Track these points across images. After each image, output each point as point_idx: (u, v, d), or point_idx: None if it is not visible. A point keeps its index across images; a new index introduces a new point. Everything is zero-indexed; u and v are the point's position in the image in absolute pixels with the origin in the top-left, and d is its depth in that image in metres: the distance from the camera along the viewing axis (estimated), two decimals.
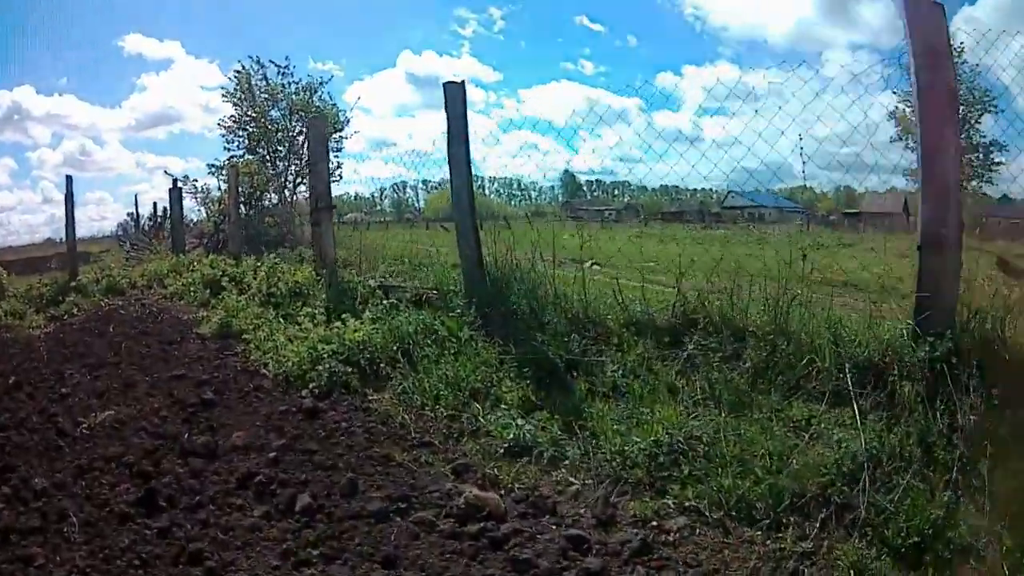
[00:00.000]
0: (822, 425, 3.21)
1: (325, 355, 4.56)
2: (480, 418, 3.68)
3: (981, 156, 31.70)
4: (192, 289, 8.42)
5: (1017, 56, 3.28)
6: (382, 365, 4.54)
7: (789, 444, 3.04)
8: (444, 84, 5.40)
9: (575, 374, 4.04)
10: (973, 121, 31.34)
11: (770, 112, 3.30)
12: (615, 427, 3.37)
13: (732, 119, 3.51)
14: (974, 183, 32.19)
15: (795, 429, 3.23)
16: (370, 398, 4.23)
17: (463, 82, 5.40)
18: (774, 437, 3.10)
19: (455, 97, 5.46)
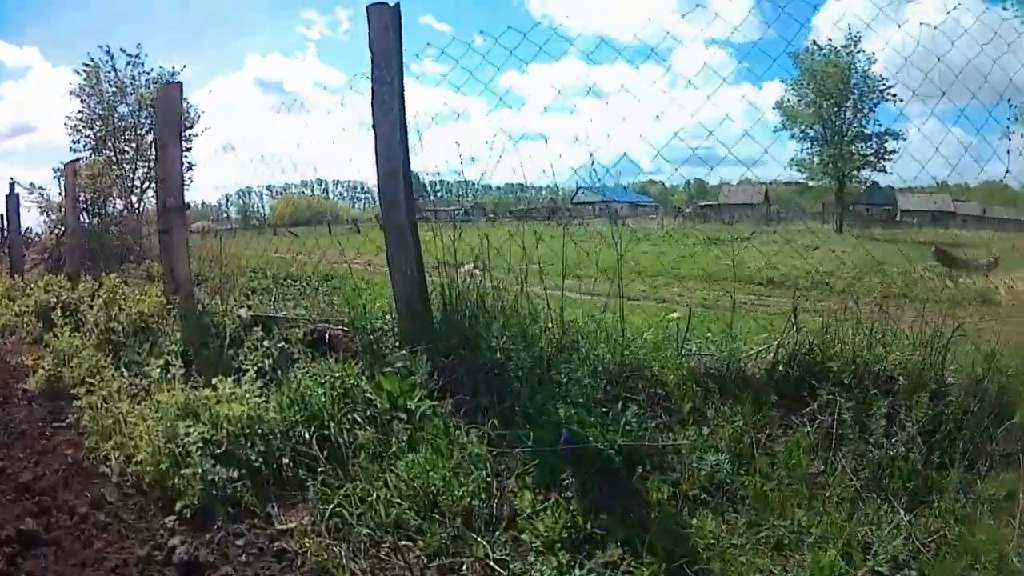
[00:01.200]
0: None
1: (193, 446, 3.03)
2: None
3: (874, 144, 35.33)
4: (25, 321, 7.04)
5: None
6: (287, 463, 3.04)
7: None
8: (368, 7, 4.14)
9: (642, 468, 2.88)
10: (867, 110, 35.19)
11: (618, 108, 3.46)
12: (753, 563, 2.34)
13: (579, 116, 3.57)
14: (865, 172, 35.88)
15: (1007, 514, 2.54)
16: (280, 527, 2.76)
17: (397, 5, 4.07)
18: (998, 535, 2.40)
19: (381, 26, 4.13)
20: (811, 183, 38.41)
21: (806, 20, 3.68)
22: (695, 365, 3.44)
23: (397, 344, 3.92)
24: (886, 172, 35.84)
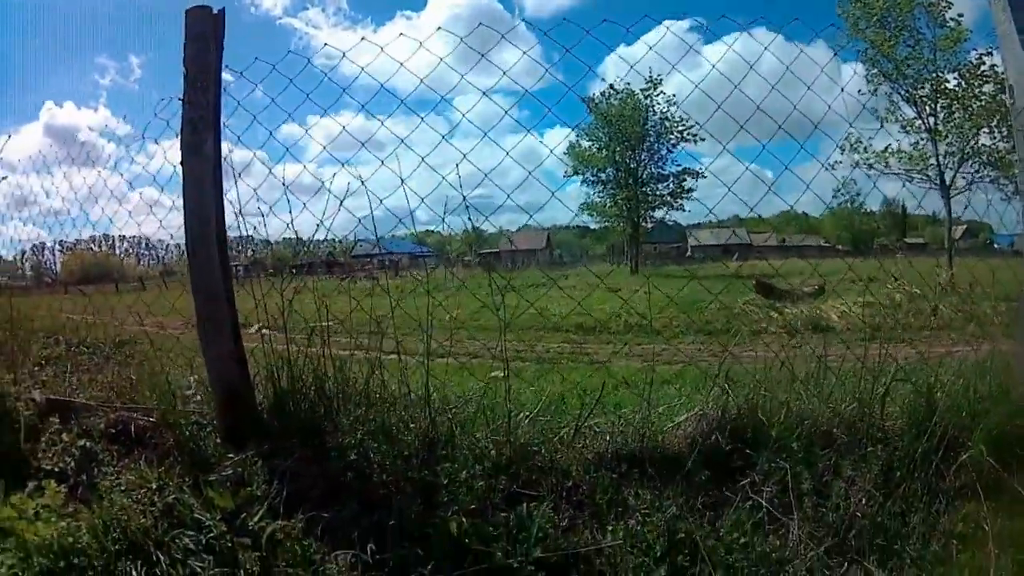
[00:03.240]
0: None
1: None
2: None
3: (671, 184, 38.40)
4: None
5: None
6: None
7: None
8: (187, 11, 3.62)
9: None
10: (664, 151, 38.20)
11: (396, 161, 3.51)
12: None
13: (356, 167, 3.64)
14: (659, 212, 38.78)
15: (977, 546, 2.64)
16: None
17: (221, 12, 3.61)
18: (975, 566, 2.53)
19: (200, 35, 3.59)
20: (594, 226, 41.37)
21: (594, 64, 3.87)
22: (602, 447, 3.24)
23: (219, 442, 3.48)
24: (683, 210, 39.33)
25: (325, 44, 3.93)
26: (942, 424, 3.07)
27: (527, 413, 3.40)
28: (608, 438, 3.24)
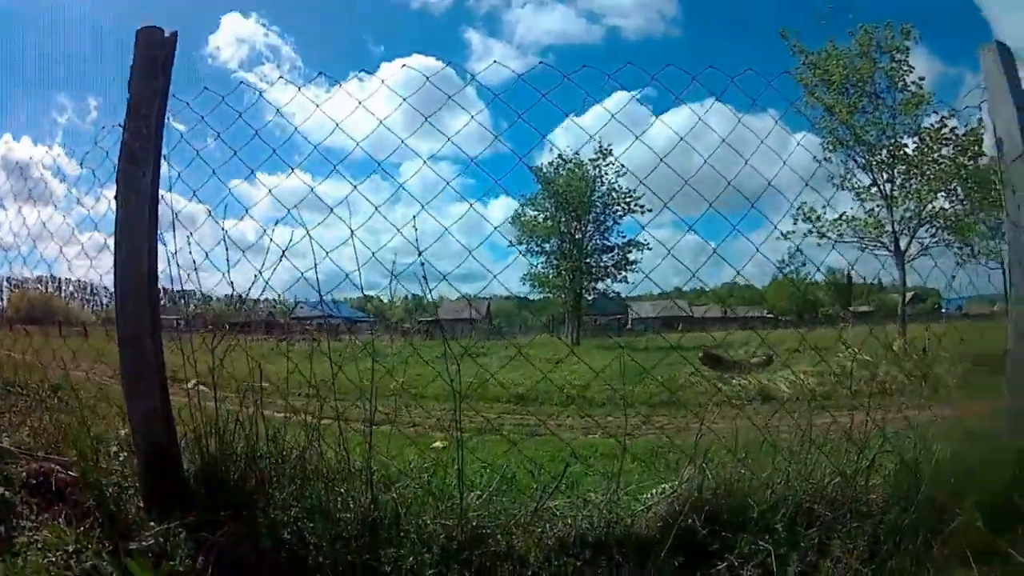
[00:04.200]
0: None
1: None
2: None
3: (616, 256, 38.40)
4: None
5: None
6: None
7: None
8: (138, 31, 3.40)
9: None
10: (611, 222, 38.26)
11: (339, 222, 3.47)
12: None
13: (299, 228, 3.55)
14: (602, 284, 38.86)
15: None
16: None
17: (173, 35, 3.39)
18: None
19: (149, 58, 3.33)
20: (534, 297, 41.64)
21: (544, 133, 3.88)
22: (563, 531, 2.95)
23: (143, 507, 3.15)
24: (626, 282, 39.25)
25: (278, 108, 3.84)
26: (929, 493, 2.92)
27: (478, 493, 3.11)
28: (570, 521, 2.96)
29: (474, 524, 2.88)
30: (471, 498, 3.01)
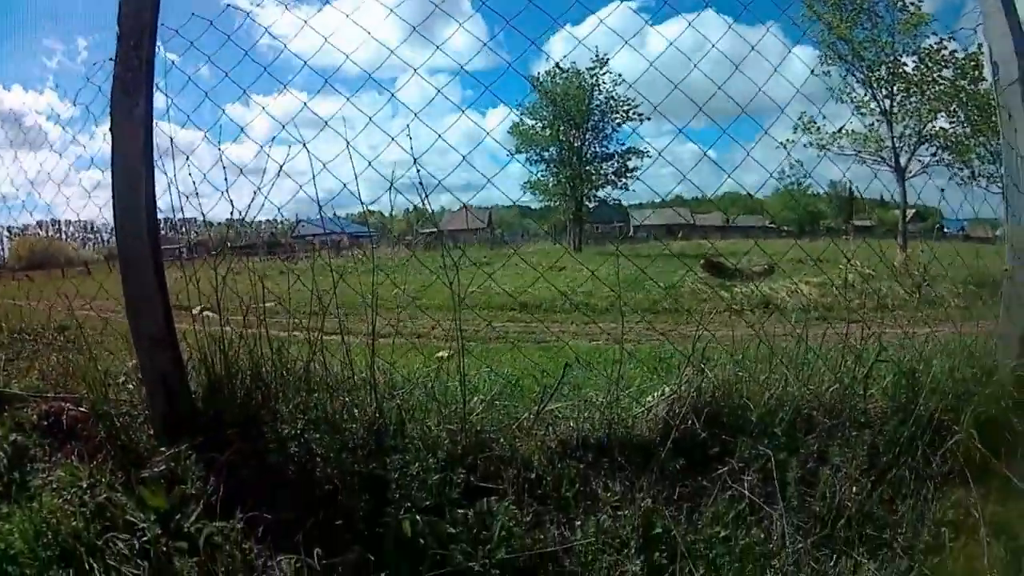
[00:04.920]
0: None
1: None
2: None
3: (615, 164, 38.21)
4: None
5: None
6: None
7: None
8: None
9: None
10: (609, 130, 38.03)
11: (338, 139, 3.33)
12: None
13: (297, 148, 3.40)
14: (603, 192, 38.66)
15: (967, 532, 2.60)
16: None
17: None
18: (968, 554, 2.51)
19: None
20: (535, 206, 41.20)
21: (540, 42, 3.82)
22: (566, 434, 3.00)
23: (152, 434, 3.18)
24: (627, 190, 39.02)
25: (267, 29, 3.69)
26: (927, 407, 2.96)
27: (482, 398, 3.15)
28: (572, 424, 3.00)
29: (478, 429, 2.92)
30: (475, 403, 3.05)
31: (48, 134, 4.73)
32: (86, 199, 4.49)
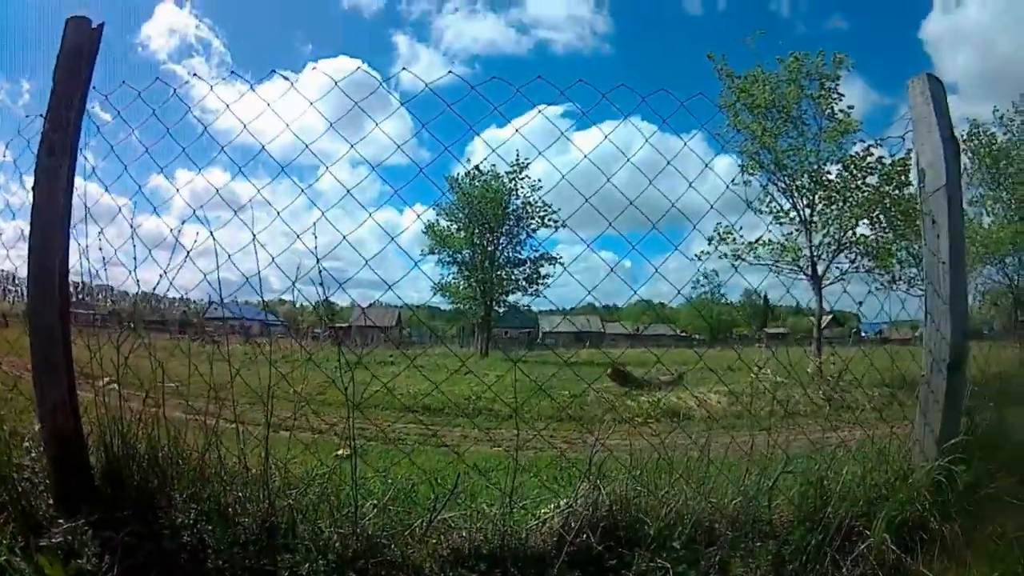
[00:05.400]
0: None
1: None
2: None
3: (527, 270, 38.36)
4: None
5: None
6: None
7: None
8: (68, 19, 3.40)
9: None
10: (524, 236, 38.16)
11: (256, 223, 3.39)
12: None
13: (216, 228, 3.50)
14: (513, 296, 38.80)
15: None
16: None
17: (100, 27, 3.38)
18: None
19: (75, 48, 3.33)
20: (445, 307, 40.96)
21: (464, 143, 3.94)
22: (458, 543, 2.94)
23: (51, 503, 3.11)
24: (538, 296, 39.14)
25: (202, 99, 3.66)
26: (836, 514, 2.95)
27: (375, 502, 3.06)
28: (465, 533, 2.94)
29: (369, 533, 2.86)
30: (367, 507, 2.98)
31: None
32: (11, 248, 4.43)
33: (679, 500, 3.00)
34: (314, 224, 3.30)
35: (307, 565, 2.70)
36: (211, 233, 3.28)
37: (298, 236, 3.32)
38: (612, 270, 3.48)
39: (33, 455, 3.42)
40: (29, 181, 3.57)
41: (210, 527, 2.89)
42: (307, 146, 3.53)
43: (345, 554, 2.78)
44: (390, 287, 3.46)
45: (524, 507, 3.12)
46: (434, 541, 2.91)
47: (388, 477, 3.29)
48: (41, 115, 3.34)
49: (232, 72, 3.66)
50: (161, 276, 3.35)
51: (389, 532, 2.89)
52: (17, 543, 2.80)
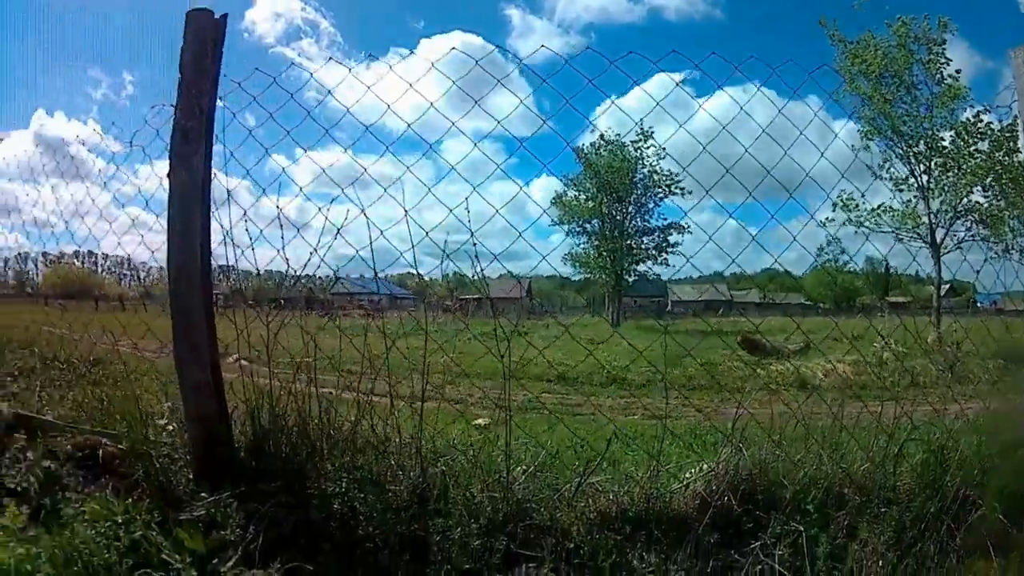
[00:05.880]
0: None
1: None
2: None
3: (656, 238, 38.09)
4: None
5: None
6: None
7: None
8: (188, 13, 3.39)
9: None
10: (651, 204, 37.91)
11: (382, 199, 3.50)
12: None
13: (340, 205, 3.56)
14: (643, 265, 38.43)
15: None
16: None
17: (224, 17, 3.40)
18: None
19: (201, 40, 3.34)
20: (574, 277, 40.71)
21: (586, 113, 3.81)
22: (605, 506, 3.04)
23: (192, 478, 3.20)
24: (667, 265, 39.05)
25: (311, 75, 3.75)
26: (954, 483, 3.01)
27: (524, 468, 3.22)
28: (612, 497, 3.06)
29: (519, 497, 2.97)
30: (517, 472, 3.10)
31: (89, 168, 4.84)
32: (126, 235, 4.61)
33: (813, 466, 3.11)
34: (466, 199, 3.27)
35: (458, 529, 2.80)
36: (363, 211, 3.32)
37: (406, 212, 3.32)
38: (753, 238, 3.49)
39: (170, 430, 3.57)
40: (145, 170, 3.78)
41: (362, 495, 2.98)
42: (409, 125, 3.62)
43: (495, 518, 2.89)
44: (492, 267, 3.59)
45: (668, 471, 3.22)
46: (582, 505, 3.01)
47: (536, 443, 3.38)
48: (171, 105, 3.36)
49: (365, 53, 3.74)
50: (311, 253, 3.39)
51: (538, 496, 3.01)
52: (154, 518, 2.85)
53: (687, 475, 3.21)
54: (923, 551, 2.83)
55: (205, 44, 3.37)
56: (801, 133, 3.45)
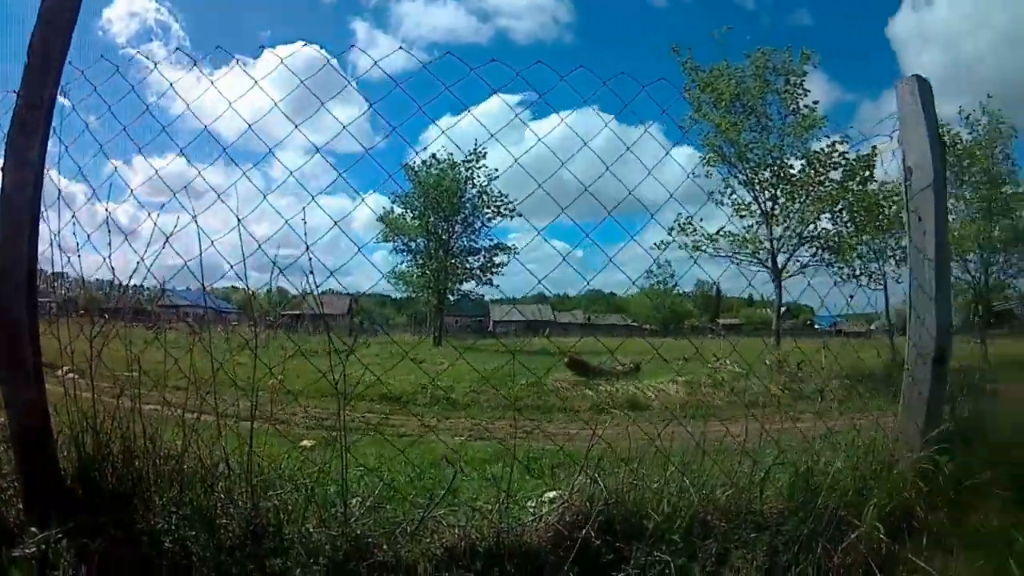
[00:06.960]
0: None
1: None
2: None
3: (482, 258, 38.51)
4: None
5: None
6: None
7: None
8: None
9: None
10: (479, 224, 38.28)
11: (210, 209, 3.45)
12: None
13: (170, 214, 3.47)
14: (467, 285, 38.89)
15: None
16: None
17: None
18: None
19: (51, 24, 3.13)
20: (396, 295, 40.74)
21: (420, 130, 4.20)
22: (452, 541, 2.88)
23: (22, 509, 2.99)
24: (491, 285, 39.26)
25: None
26: (826, 504, 3.01)
27: (360, 499, 2.99)
28: (459, 532, 2.88)
29: (358, 533, 2.79)
30: (354, 505, 2.92)
31: None
32: None
33: (674, 492, 3.00)
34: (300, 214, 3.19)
35: (299, 570, 2.62)
36: (194, 218, 3.16)
37: (239, 220, 3.21)
38: (564, 259, 3.45)
39: (2, 459, 3.27)
40: None
41: (192, 532, 2.78)
42: (250, 126, 3.45)
43: (336, 556, 2.70)
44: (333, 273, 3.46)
45: (515, 501, 3.07)
46: (427, 540, 2.83)
47: (371, 473, 3.23)
48: (13, 91, 3.09)
49: (188, 57, 3.51)
50: (138, 264, 3.23)
51: (378, 531, 2.82)
52: None
53: (533, 504, 3.07)
54: (799, 574, 2.81)
55: (57, 27, 3.11)
56: (628, 149, 3.43)
